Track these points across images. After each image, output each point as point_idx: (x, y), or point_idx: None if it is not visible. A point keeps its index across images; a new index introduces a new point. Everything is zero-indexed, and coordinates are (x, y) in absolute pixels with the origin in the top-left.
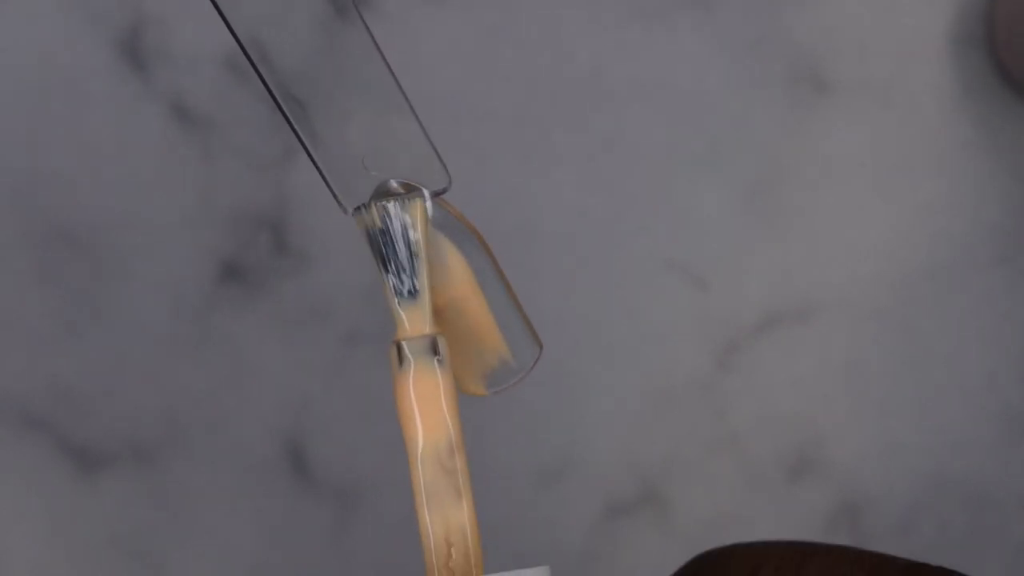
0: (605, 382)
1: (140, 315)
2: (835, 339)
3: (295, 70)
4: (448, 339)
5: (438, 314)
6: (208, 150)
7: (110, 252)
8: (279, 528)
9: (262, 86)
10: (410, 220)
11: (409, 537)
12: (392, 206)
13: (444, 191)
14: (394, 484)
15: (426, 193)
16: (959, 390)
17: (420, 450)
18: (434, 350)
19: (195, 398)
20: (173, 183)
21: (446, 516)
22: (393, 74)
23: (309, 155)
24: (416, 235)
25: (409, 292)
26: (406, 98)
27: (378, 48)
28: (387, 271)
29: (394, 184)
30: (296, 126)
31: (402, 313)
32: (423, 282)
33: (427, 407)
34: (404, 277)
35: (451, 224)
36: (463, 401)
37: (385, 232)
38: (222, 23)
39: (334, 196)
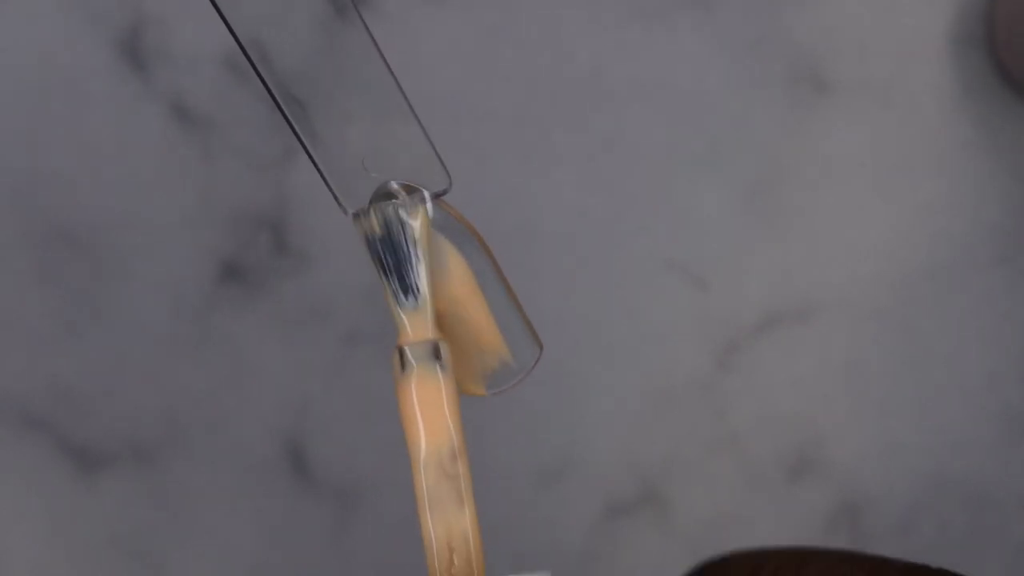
0: (605, 382)
1: (140, 315)
2: (835, 339)
3: (295, 70)
4: (448, 340)
5: (438, 316)
6: (208, 150)
7: (110, 252)
8: (279, 528)
9: (262, 86)
10: (411, 225)
11: (409, 537)
12: (392, 212)
13: (444, 192)
14: (394, 484)
15: (426, 194)
16: (959, 390)
17: (423, 455)
18: (436, 355)
19: (195, 398)
20: (173, 183)
21: (448, 522)
22: (393, 74)
23: (309, 156)
24: (417, 240)
25: (411, 297)
26: (406, 98)
27: (378, 48)
28: (388, 277)
29: (394, 185)
30: (296, 126)
31: (404, 318)
32: (425, 287)
33: (429, 412)
34: (406, 282)
35: (451, 225)
36: (463, 401)
37: (386, 238)
38: (222, 23)
39: (334, 197)
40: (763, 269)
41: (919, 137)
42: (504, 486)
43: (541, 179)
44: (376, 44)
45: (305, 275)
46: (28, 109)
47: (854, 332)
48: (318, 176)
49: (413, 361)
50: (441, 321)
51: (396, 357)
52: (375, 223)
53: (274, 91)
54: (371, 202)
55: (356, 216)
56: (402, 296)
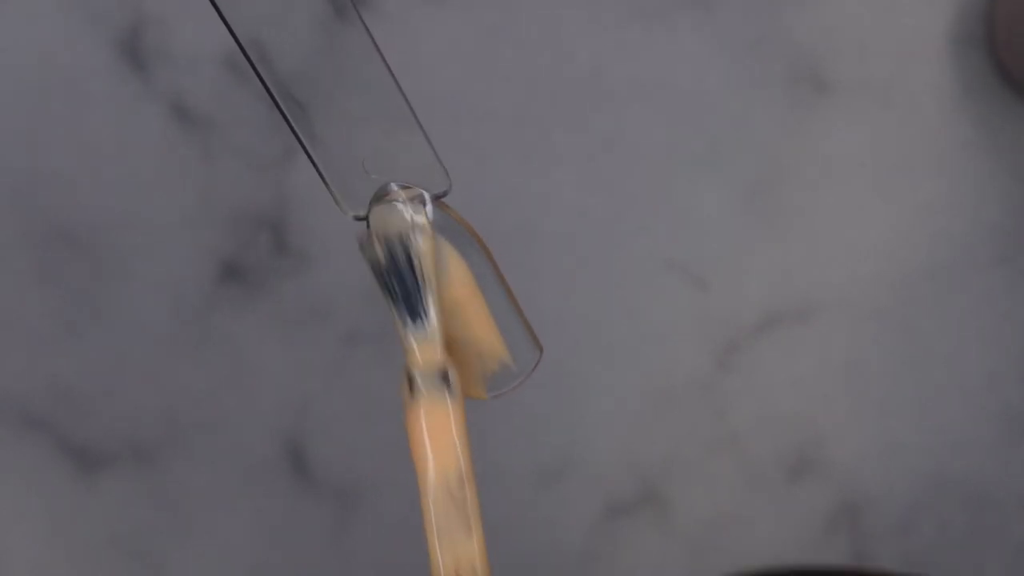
0: (605, 382)
1: (140, 315)
2: (835, 339)
3: (295, 70)
4: (448, 341)
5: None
6: (208, 150)
7: (110, 252)
8: (279, 528)
9: (262, 86)
10: (417, 251)
11: (409, 537)
12: (396, 240)
13: (444, 194)
14: (394, 484)
15: (426, 195)
16: (959, 390)
17: (431, 484)
18: (445, 380)
19: (195, 398)
20: (173, 183)
21: (456, 550)
22: (393, 75)
23: (309, 156)
24: (424, 265)
25: (419, 323)
26: (406, 99)
27: (378, 49)
28: (396, 304)
29: (394, 186)
30: (296, 127)
31: (413, 343)
32: (433, 313)
33: (438, 439)
34: (414, 309)
35: (451, 227)
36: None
37: (392, 266)
38: (222, 23)
39: (334, 198)
40: (763, 269)
41: (919, 137)
42: (504, 486)
43: (541, 179)
44: (376, 44)
45: (305, 275)
46: (28, 109)
47: (854, 332)
48: (318, 176)
49: (422, 387)
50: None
51: (404, 382)
52: (380, 254)
53: (274, 91)
54: (371, 203)
55: (361, 246)
56: (410, 322)
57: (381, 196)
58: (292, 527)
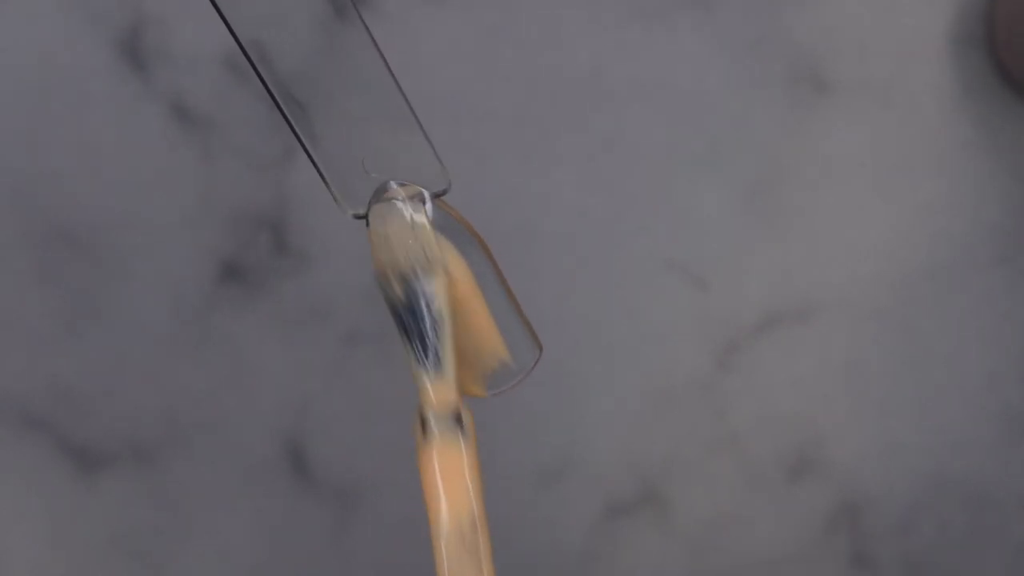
0: (605, 382)
1: (140, 315)
2: (835, 339)
3: (295, 70)
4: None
5: None
6: (208, 150)
7: (110, 252)
8: (279, 528)
9: (262, 86)
10: (433, 292)
11: (409, 537)
12: (415, 281)
13: (444, 192)
14: (394, 484)
15: (426, 195)
16: (959, 390)
17: (444, 528)
18: (459, 423)
19: (195, 398)
20: (173, 183)
21: None
22: (393, 75)
23: (309, 156)
24: (440, 306)
25: (434, 363)
26: (406, 99)
27: (378, 49)
28: (411, 342)
29: (394, 185)
30: (296, 127)
31: (427, 383)
32: (448, 352)
33: (451, 482)
34: (429, 348)
35: (451, 226)
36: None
37: (410, 307)
38: (222, 23)
39: (334, 197)
40: (763, 269)
41: (919, 137)
42: (504, 486)
43: (541, 179)
44: (376, 44)
45: (305, 275)
46: (28, 109)
47: (854, 332)
48: (318, 176)
49: (436, 429)
50: None
51: (417, 423)
52: (399, 291)
53: (274, 91)
54: (370, 202)
55: (379, 284)
56: (424, 361)
57: (381, 194)
58: (292, 527)
